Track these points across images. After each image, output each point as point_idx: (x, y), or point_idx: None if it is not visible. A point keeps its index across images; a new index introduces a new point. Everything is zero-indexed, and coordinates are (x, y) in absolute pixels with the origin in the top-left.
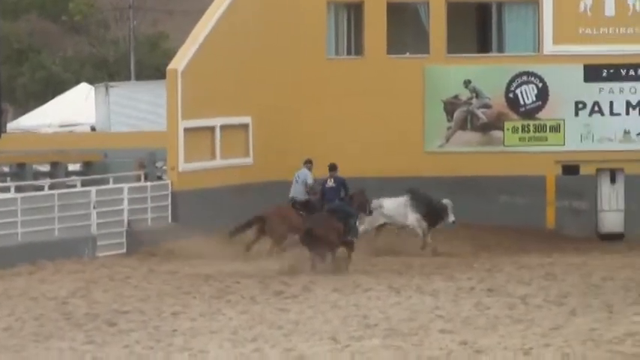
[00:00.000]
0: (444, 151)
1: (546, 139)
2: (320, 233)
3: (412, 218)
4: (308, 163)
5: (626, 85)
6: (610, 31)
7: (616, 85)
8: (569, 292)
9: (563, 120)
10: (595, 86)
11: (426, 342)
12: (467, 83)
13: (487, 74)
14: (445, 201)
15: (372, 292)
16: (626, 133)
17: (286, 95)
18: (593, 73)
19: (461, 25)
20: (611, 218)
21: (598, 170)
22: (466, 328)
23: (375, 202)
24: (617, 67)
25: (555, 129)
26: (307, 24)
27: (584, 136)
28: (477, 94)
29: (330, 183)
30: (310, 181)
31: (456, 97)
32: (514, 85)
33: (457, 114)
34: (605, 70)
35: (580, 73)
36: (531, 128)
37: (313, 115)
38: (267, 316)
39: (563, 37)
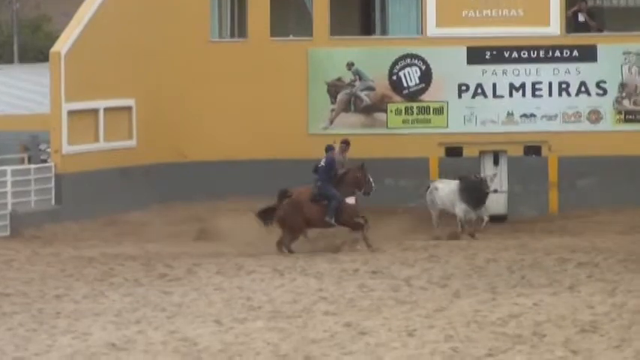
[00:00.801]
0: (328, 133)
1: (430, 122)
2: (281, 215)
3: (459, 209)
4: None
5: (509, 67)
6: (493, 14)
7: (499, 67)
8: (453, 273)
9: (447, 102)
10: (478, 68)
11: (310, 324)
12: (350, 66)
13: (370, 57)
14: (485, 174)
15: (256, 274)
16: (510, 115)
17: (170, 78)
18: (476, 55)
19: (344, 8)
20: (495, 200)
21: (481, 152)
22: (350, 309)
23: (431, 185)
24: (500, 50)
25: (439, 111)
26: (191, 6)
27: (467, 119)
28: (360, 76)
29: (322, 163)
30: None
31: (339, 79)
32: (397, 67)
33: (340, 96)
34: (488, 53)
35: (463, 55)
36: (415, 110)
37: (197, 98)
38: (151, 299)
39: (446, 20)
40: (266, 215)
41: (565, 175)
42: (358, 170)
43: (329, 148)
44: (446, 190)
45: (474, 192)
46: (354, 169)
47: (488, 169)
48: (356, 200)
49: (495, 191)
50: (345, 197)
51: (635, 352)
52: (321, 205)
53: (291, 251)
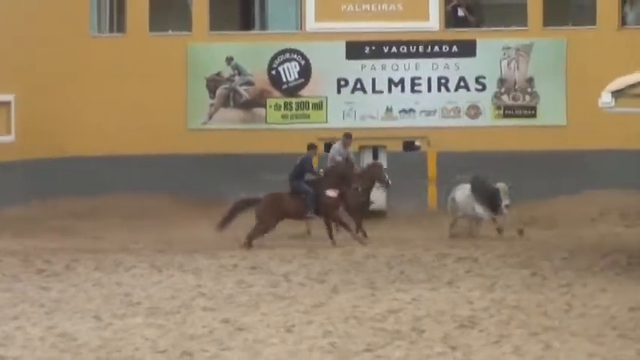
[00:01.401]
0: (207, 129)
1: (309, 117)
2: (260, 208)
3: (479, 210)
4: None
5: (388, 62)
6: (372, 8)
7: (378, 63)
8: (332, 269)
9: (326, 97)
10: (357, 63)
11: (188, 320)
12: (229, 60)
13: (249, 51)
14: (499, 185)
15: (135, 270)
16: (389, 110)
17: (50, 73)
18: (355, 50)
19: (224, 3)
20: (374, 196)
21: (361, 147)
22: (228, 305)
23: (451, 193)
24: (379, 45)
25: (318, 106)
26: (70, 1)
27: (346, 114)
28: (239, 71)
29: (297, 162)
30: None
31: (218, 74)
32: (276, 62)
33: (219, 91)
34: (368, 48)
35: (342, 50)
36: (294, 106)
37: (77, 92)
38: (30, 294)
39: (325, 15)
40: (234, 213)
41: (444, 171)
42: (340, 168)
43: (310, 147)
44: (462, 195)
45: (487, 195)
46: (337, 167)
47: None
48: (341, 194)
49: (507, 207)
50: (327, 189)
51: (514, 347)
52: (300, 198)
53: (250, 245)
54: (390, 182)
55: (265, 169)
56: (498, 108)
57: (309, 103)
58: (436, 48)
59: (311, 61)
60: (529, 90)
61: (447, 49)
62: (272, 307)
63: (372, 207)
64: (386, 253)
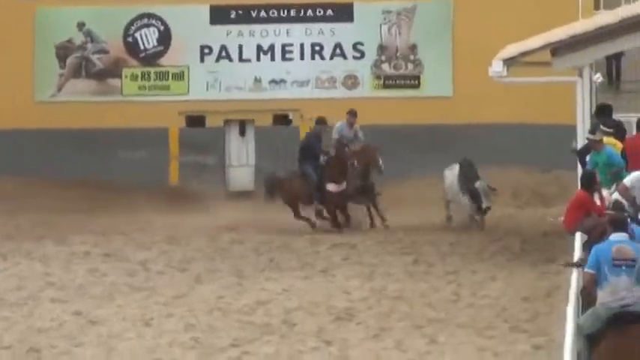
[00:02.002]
0: (57, 101)
1: (169, 88)
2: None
3: (464, 200)
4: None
5: (257, 28)
6: None
7: (245, 28)
8: (194, 256)
9: (188, 67)
10: (222, 29)
11: (36, 312)
12: (81, 26)
13: (104, 16)
14: (478, 184)
15: None
16: (257, 81)
17: None
18: (220, 14)
19: None
20: (241, 174)
21: (226, 122)
22: (80, 296)
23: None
24: (247, 8)
25: (179, 76)
26: None
27: (210, 85)
28: (92, 38)
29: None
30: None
31: (69, 41)
32: (133, 28)
33: (70, 60)
34: (234, 12)
35: (206, 14)
36: (152, 76)
37: None
38: None
39: None
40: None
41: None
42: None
43: (318, 121)
44: (450, 178)
45: (471, 188)
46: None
47: (233, 140)
48: (346, 191)
49: (488, 209)
50: (328, 181)
51: (396, 342)
52: (308, 183)
53: (307, 220)
54: (382, 168)
55: (122, 146)
56: (378, 78)
57: (169, 73)
58: (309, 12)
59: (171, 26)
60: (412, 58)
61: (322, 12)
62: (128, 299)
63: (237, 188)
64: (254, 238)
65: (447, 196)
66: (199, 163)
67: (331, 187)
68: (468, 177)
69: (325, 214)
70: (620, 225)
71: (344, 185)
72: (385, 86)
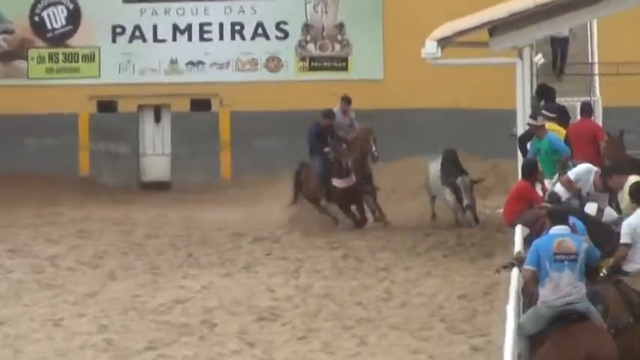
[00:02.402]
0: None
1: (78, 71)
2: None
3: (449, 197)
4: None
5: (172, 6)
6: None
7: (160, 6)
8: (107, 251)
9: (99, 48)
10: (136, 8)
11: None
12: None
13: None
14: (459, 179)
15: None
16: (173, 62)
17: None
18: None
19: None
20: (156, 164)
21: (140, 107)
22: None
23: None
24: None
25: (89, 58)
26: None
27: (123, 67)
28: None
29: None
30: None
31: None
32: (40, 6)
33: None
34: None
35: None
36: (60, 58)
37: None
38: None
39: None
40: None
41: (239, 134)
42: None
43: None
44: (433, 170)
45: (453, 182)
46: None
47: (148, 126)
48: (355, 186)
49: (468, 207)
50: (334, 177)
51: (323, 343)
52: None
53: (330, 216)
54: (377, 155)
55: (28, 133)
56: (303, 59)
57: (78, 54)
58: None
59: (80, 4)
60: (339, 38)
61: None
62: (36, 297)
63: (153, 178)
64: (170, 232)
65: (430, 192)
66: (111, 151)
67: (337, 182)
68: (449, 170)
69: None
70: (559, 218)
71: (352, 179)
72: (311, 68)
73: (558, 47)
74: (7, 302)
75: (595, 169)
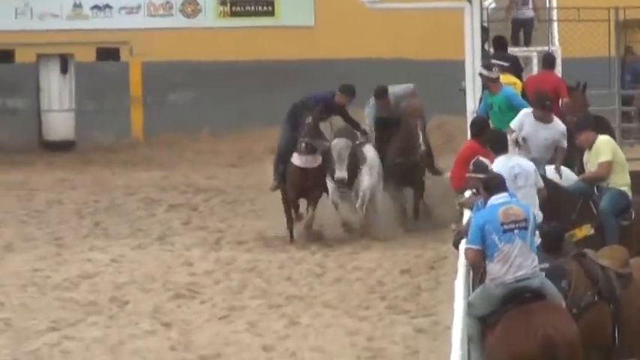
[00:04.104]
0: None
1: None
2: None
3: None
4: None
5: None
6: None
7: None
8: (3, 220)
9: None
10: None
11: None
12: None
13: None
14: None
15: None
16: (77, 6)
17: None
18: None
19: None
20: (59, 121)
21: (40, 57)
22: None
23: None
24: None
25: None
26: None
27: (20, 12)
28: None
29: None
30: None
31: None
32: None
33: None
34: None
35: None
36: None
37: None
38: None
39: None
40: None
41: (152, 88)
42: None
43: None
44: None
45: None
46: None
47: (51, 79)
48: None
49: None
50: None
51: (248, 323)
52: None
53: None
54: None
55: None
56: (223, 4)
57: None
58: None
59: None
60: None
61: None
62: None
63: (56, 137)
64: (75, 198)
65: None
66: (8, 107)
67: (295, 159)
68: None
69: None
70: (497, 186)
71: (317, 160)
72: (232, 14)
73: (520, 29)
74: None
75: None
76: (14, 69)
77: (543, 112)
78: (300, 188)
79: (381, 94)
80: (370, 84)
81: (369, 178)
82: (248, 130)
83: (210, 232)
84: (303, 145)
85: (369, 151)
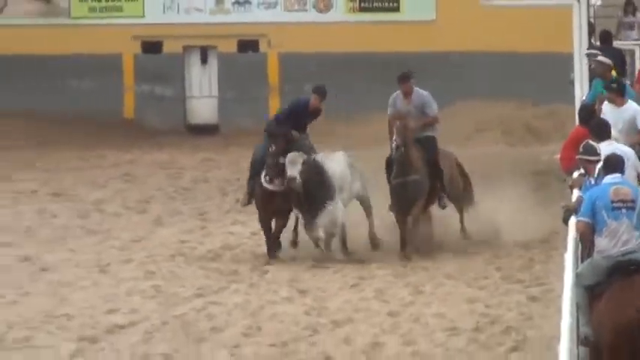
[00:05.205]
0: None
1: (122, 10)
2: None
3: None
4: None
5: None
6: None
7: None
8: (153, 196)
9: None
10: None
11: None
12: None
13: None
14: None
15: None
16: (219, 1)
17: None
18: None
19: None
20: (203, 107)
21: (185, 48)
22: (29, 240)
23: None
24: None
25: None
26: None
27: (167, 6)
28: None
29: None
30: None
31: None
32: None
33: None
34: None
35: None
36: None
37: None
38: None
39: None
40: None
41: (288, 77)
42: None
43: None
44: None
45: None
46: None
47: (194, 68)
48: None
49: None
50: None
51: (377, 291)
52: None
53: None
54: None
55: (71, 74)
56: (353, 0)
57: None
58: None
59: None
60: None
61: None
62: (81, 243)
63: (200, 121)
64: (219, 176)
65: None
66: (156, 93)
67: (265, 181)
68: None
69: None
70: (614, 166)
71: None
72: (361, 9)
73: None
74: (51, 248)
75: None
76: (162, 59)
77: None
78: (268, 210)
79: (403, 78)
80: (484, 76)
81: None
82: (374, 115)
83: None
84: (268, 178)
85: (337, 166)
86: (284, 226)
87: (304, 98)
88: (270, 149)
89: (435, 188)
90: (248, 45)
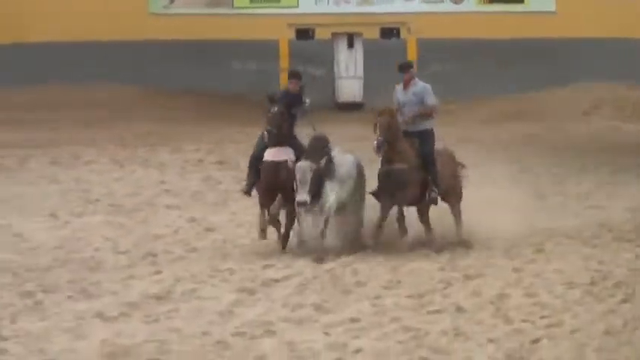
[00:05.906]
0: (170, 13)
1: (279, 1)
2: None
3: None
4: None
5: None
6: None
7: None
8: None
9: None
10: None
11: (151, 219)
12: None
13: None
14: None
15: (94, 165)
16: None
17: None
18: None
19: None
20: (350, 86)
21: (334, 35)
22: (195, 203)
23: None
24: None
25: None
26: None
27: None
28: None
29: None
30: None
31: None
32: None
33: None
34: None
35: None
36: None
37: None
38: None
39: None
40: None
41: (425, 60)
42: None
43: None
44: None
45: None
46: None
47: (342, 52)
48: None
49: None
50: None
51: (503, 250)
52: None
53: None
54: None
55: (234, 57)
56: None
57: None
58: None
59: None
60: None
61: None
62: (241, 206)
63: (347, 99)
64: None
65: None
66: (309, 74)
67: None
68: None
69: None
70: None
71: (288, 154)
72: (490, 1)
73: None
74: (215, 210)
75: None
76: (314, 44)
77: None
78: (272, 184)
79: (404, 67)
80: (599, 60)
81: (334, 193)
82: (499, 95)
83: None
84: (266, 133)
85: (346, 164)
86: (293, 214)
87: (282, 90)
88: (270, 113)
89: (427, 182)
90: (390, 32)
